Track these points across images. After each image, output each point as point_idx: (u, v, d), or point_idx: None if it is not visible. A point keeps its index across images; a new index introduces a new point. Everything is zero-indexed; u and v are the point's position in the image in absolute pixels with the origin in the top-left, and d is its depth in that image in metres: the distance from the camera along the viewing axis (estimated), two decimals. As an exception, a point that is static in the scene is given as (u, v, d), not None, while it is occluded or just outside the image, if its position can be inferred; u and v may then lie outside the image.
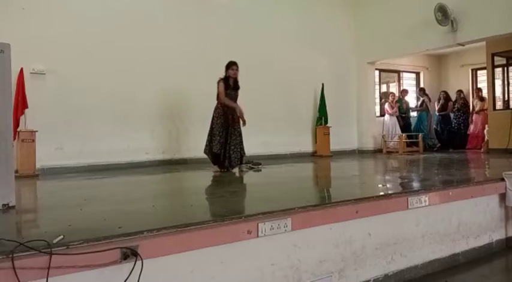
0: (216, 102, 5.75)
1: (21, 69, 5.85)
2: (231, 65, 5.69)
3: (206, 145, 5.71)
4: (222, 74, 5.71)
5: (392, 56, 9.85)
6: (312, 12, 9.12)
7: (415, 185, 4.23)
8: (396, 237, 3.10)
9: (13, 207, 2.83)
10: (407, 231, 3.19)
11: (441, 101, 10.62)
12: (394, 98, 10.34)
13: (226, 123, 5.62)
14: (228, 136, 5.60)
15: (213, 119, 5.69)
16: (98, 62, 6.64)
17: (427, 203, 3.27)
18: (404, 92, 10.78)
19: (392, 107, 10.12)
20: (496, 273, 3.58)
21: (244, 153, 5.83)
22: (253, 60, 8.11)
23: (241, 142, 5.77)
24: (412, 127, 10.69)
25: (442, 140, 10.52)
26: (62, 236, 1.86)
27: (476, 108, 10.10)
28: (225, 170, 5.64)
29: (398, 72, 11.48)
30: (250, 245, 2.35)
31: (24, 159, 5.70)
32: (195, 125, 7.39)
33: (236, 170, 5.75)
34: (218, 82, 5.66)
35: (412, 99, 11.47)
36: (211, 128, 5.67)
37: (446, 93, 10.76)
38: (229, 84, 5.67)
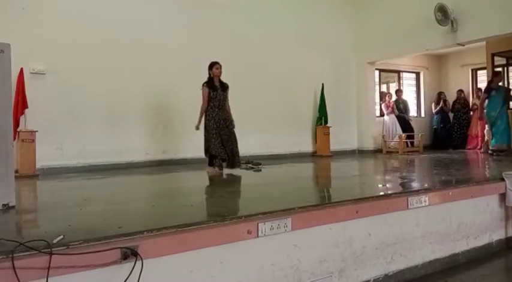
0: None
1: (21, 69, 5.84)
2: (215, 64, 5.52)
3: (205, 149, 5.56)
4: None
5: (392, 56, 9.84)
6: (312, 12, 9.11)
7: (415, 185, 4.23)
8: (396, 237, 3.10)
9: (13, 207, 2.83)
10: (407, 231, 3.18)
11: (438, 102, 10.68)
12: (390, 98, 10.33)
13: (219, 123, 5.49)
14: (223, 136, 5.48)
15: (205, 121, 5.55)
16: (98, 62, 6.62)
17: (427, 203, 3.27)
18: (399, 92, 10.74)
19: (387, 107, 10.12)
20: (496, 273, 3.58)
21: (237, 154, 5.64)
22: (253, 60, 8.12)
23: (236, 143, 5.63)
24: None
25: (441, 140, 10.52)
26: (62, 236, 1.86)
27: (473, 107, 10.13)
28: (222, 167, 5.50)
29: (398, 72, 11.46)
30: (250, 245, 2.35)
31: (24, 159, 5.69)
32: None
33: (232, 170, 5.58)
34: (202, 87, 5.51)
35: (411, 99, 11.44)
36: (206, 131, 5.52)
37: (442, 93, 10.81)
38: (216, 86, 5.51)
